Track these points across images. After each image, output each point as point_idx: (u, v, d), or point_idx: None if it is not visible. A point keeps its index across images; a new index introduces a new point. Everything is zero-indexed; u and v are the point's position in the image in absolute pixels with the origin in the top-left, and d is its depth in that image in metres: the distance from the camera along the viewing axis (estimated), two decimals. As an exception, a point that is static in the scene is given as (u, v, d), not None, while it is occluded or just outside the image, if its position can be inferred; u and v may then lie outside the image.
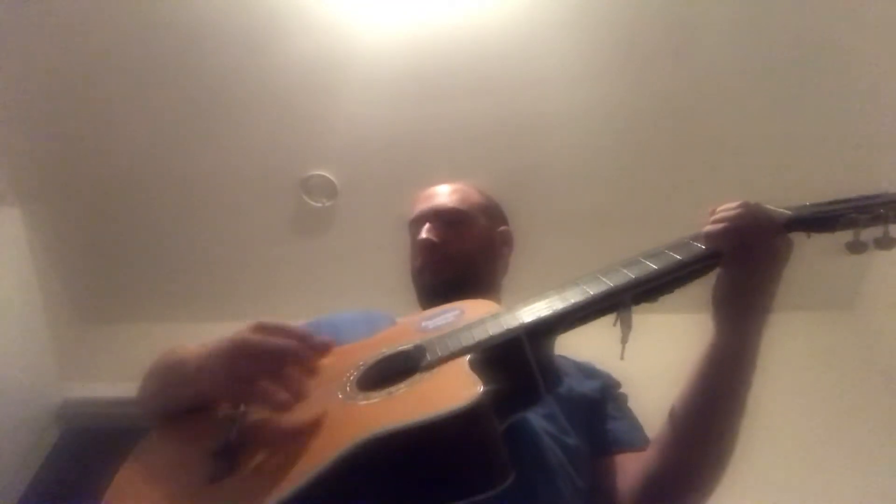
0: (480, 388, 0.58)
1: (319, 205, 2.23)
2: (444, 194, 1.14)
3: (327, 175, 2.16)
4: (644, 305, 0.73)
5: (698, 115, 1.97)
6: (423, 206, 1.12)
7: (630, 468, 0.85)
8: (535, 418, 0.82)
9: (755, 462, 1.69)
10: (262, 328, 0.70)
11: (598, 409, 0.93)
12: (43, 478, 2.12)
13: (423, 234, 1.05)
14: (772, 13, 1.78)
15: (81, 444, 2.19)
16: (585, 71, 1.90)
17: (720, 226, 0.74)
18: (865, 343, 2.11)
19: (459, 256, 1.05)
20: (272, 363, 0.68)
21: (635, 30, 1.84)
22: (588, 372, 1.00)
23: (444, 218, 1.08)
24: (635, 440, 0.90)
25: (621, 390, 1.00)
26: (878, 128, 1.93)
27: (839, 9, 1.75)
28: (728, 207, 0.77)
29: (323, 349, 0.72)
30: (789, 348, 1.94)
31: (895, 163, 1.94)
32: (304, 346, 0.70)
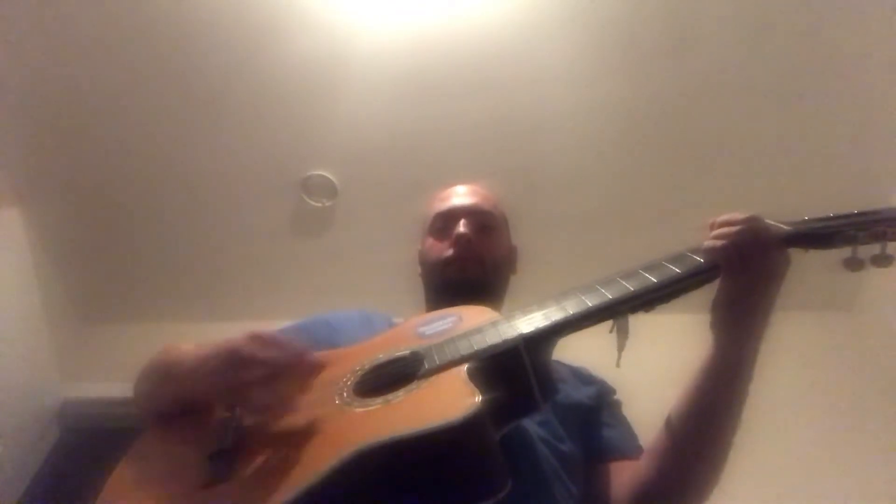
0: (478, 399, 0.58)
1: (319, 205, 2.23)
2: (477, 195, 1.12)
3: (327, 175, 2.16)
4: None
5: (698, 116, 1.97)
6: (457, 201, 1.10)
7: (623, 476, 0.85)
8: (531, 425, 0.82)
9: (755, 462, 1.69)
10: (256, 339, 0.70)
11: (592, 416, 0.93)
12: (43, 478, 2.12)
13: (462, 229, 1.02)
14: (772, 13, 1.78)
15: (81, 444, 2.18)
16: (585, 71, 1.90)
17: (720, 241, 0.74)
18: (865, 344, 2.11)
19: (488, 261, 1.03)
20: (262, 374, 0.67)
21: (635, 30, 1.83)
22: (584, 378, 1.00)
23: (480, 219, 1.07)
24: (629, 449, 0.90)
25: (616, 397, 1.00)
26: (878, 127, 1.93)
27: (840, 10, 1.75)
28: (728, 221, 0.76)
29: (313, 370, 0.72)
30: (789, 348, 1.93)
31: (893, 162, 1.94)
32: (296, 361, 0.70)
